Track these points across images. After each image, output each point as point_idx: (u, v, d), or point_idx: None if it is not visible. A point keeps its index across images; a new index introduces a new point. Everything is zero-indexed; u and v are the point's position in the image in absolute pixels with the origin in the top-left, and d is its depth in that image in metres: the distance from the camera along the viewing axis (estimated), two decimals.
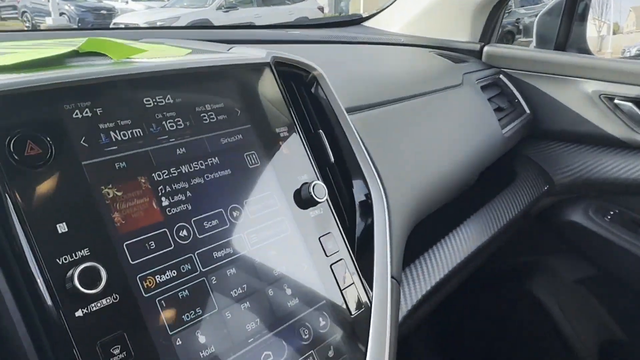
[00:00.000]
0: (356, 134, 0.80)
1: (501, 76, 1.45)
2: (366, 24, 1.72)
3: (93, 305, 0.47)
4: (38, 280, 0.46)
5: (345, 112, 0.80)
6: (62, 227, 0.48)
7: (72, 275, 0.46)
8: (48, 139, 0.50)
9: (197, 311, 0.54)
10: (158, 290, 0.52)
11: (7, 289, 0.46)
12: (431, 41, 1.50)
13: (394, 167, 0.86)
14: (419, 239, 1.05)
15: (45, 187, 0.48)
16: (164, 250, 0.54)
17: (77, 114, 0.53)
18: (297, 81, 0.79)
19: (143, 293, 0.51)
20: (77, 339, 0.46)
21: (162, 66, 0.62)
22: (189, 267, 0.55)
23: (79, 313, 0.46)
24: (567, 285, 1.53)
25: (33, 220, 0.47)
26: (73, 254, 0.47)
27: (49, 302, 0.46)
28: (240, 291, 0.58)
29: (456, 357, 1.77)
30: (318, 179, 0.71)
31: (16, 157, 0.47)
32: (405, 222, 0.83)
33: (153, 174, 0.56)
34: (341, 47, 1.19)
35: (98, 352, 0.46)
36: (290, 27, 1.42)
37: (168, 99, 0.60)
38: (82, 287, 0.46)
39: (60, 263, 0.47)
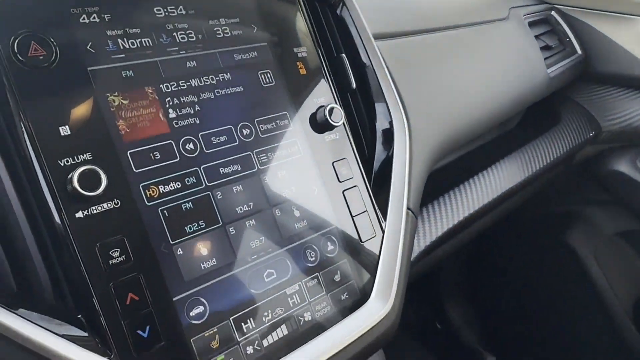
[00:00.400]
0: (382, 60, 0.76)
1: (553, 12, 1.36)
2: None
3: (93, 208, 0.48)
4: (40, 180, 0.47)
5: (371, 37, 0.76)
6: (64, 130, 0.48)
7: (72, 177, 0.46)
8: (52, 41, 0.49)
9: (200, 224, 0.54)
10: (161, 200, 0.52)
11: (12, 189, 0.48)
12: None
13: (421, 97, 0.83)
14: (450, 176, 1.03)
15: (49, 89, 0.48)
16: (169, 162, 0.54)
17: (84, 19, 0.52)
18: (323, 2, 0.75)
19: (145, 201, 0.51)
20: (77, 239, 0.47)
21: None
22: (194, 180, 0.55)
23: (79, 214, 0.47)
24: (606, 238, 1.47)
25: (37, 121, 0.47)
26: (75, 157, 0.48)
27: (51, 201, 0.46)
28: (246, 208, 0.58)
29: (483, 304, 1.76)
30: (336, 103, 0.68)
31: (20, 58, 0.47)
32: (429, 155, 0.80)
33: (161, 85, 0.55)
34: None
35: (97, 253, 0.47)
36: None
37: (180, 10, 0.59)
38: (82, 189, 0.46)
39: (62, 165, 0.47)
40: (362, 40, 0.75)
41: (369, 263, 0.66)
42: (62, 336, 0.45)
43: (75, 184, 0.46)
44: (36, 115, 0.47)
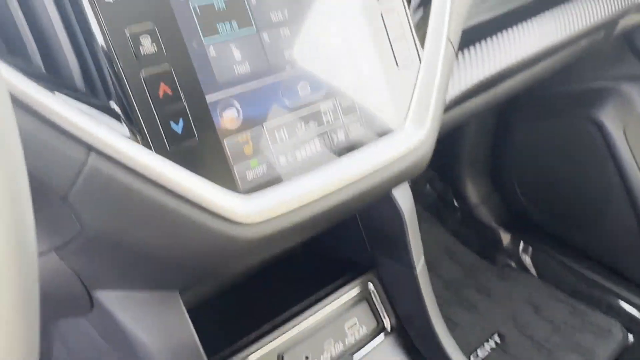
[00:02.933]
0: None
1: None
2: None
3: None
4: None
5: None
6: None
7: None
8: None
9: (233, 25, 0.51)
10: None
11: None
12: None
13: None
14: (486, 31, 0.96)
15: None
16: None
17: None
18: None
19: None
20: (107, 23, 0.44)
21: None
22: None
23: None
24: (638, 114, 1.42)
25: None
26: None
27: None
28: (281, 17, 0.54)
29: (503, 181, 1.76)
30: None
31: None
32: None
33: None
34: None
35: (128, 39, 0.45)
36: None
37: None
38: None
39: None
40: None
41: (405, 89, 0.63)
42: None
43: None
44: None
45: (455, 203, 1.83)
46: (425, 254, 0.76)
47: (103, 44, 0.44)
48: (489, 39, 0.88)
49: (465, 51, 0.85)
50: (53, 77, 0.45)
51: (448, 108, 0.86)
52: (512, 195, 1.73)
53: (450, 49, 0.68)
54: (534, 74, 1.10)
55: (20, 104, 0.41)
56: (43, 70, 0.45)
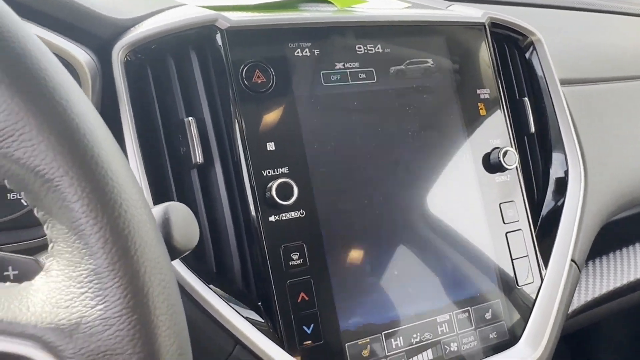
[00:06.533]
0: (566, 107, 0.75)
1: None
2: None
3: (284, 214, 0.56)
4: (246, 185, 0.56)
5: (558, 84, 0.76)
6: (270, 146, 0.57)
7: (271, 186, 0.55)
8: (272, 70, 0.58)
9: (369, 241, 0.60)
10: (339, 214, 0.59)
11: (224, 189, 0.58)
12: None
13: (603, 148, 0.80)
14: (627, 231, 0.96)
15: (263, 110, 0.58)
16: (351, 182, 0.60)
17: (298, 52, 0.61)
18: (512, 44, 0.77)
19: (326, 214, 0.59)
20: (267, 239, 0.55)
21: (379, 17, 0.67)
22: (368, 201, 0.61)
23: (272, 218, 0.56)
24: None
25: (251, 136, 0.57)
26: (275, 170, 0.57)
27: (252, 204, 0.56)
28: (411, 235, 0.62)
29: None
30: (511, 146, 0.70)
31: (246, 83, 0.57)
32: (604, 208, 0.77)
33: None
34: (574, 14, 1.10)
35: (281, 254, 0.55)
36: None
37: (378, 48, 0.65)
38: (278, 198, 0.55)
39: (265, 175, 0.56)
40: (548, 85, 0.75)
41: (523, 308, 0.66)
42: (246, 318, 0.53)
43: (273, 192, 0.55)
44: (251, 130, 0.57)
45: None
46: None
47: (262, 255, 0.55)
48: (624, 249, 0.88)
49: (597, 260, 0.85)
50: (219, 276, 0.57)
51: (576, 314, 0.85)
52: None
53: (574, 270, 0.70)
54: None
55: (190, 298, 0.53)
56: (214, 270, 0.57)
